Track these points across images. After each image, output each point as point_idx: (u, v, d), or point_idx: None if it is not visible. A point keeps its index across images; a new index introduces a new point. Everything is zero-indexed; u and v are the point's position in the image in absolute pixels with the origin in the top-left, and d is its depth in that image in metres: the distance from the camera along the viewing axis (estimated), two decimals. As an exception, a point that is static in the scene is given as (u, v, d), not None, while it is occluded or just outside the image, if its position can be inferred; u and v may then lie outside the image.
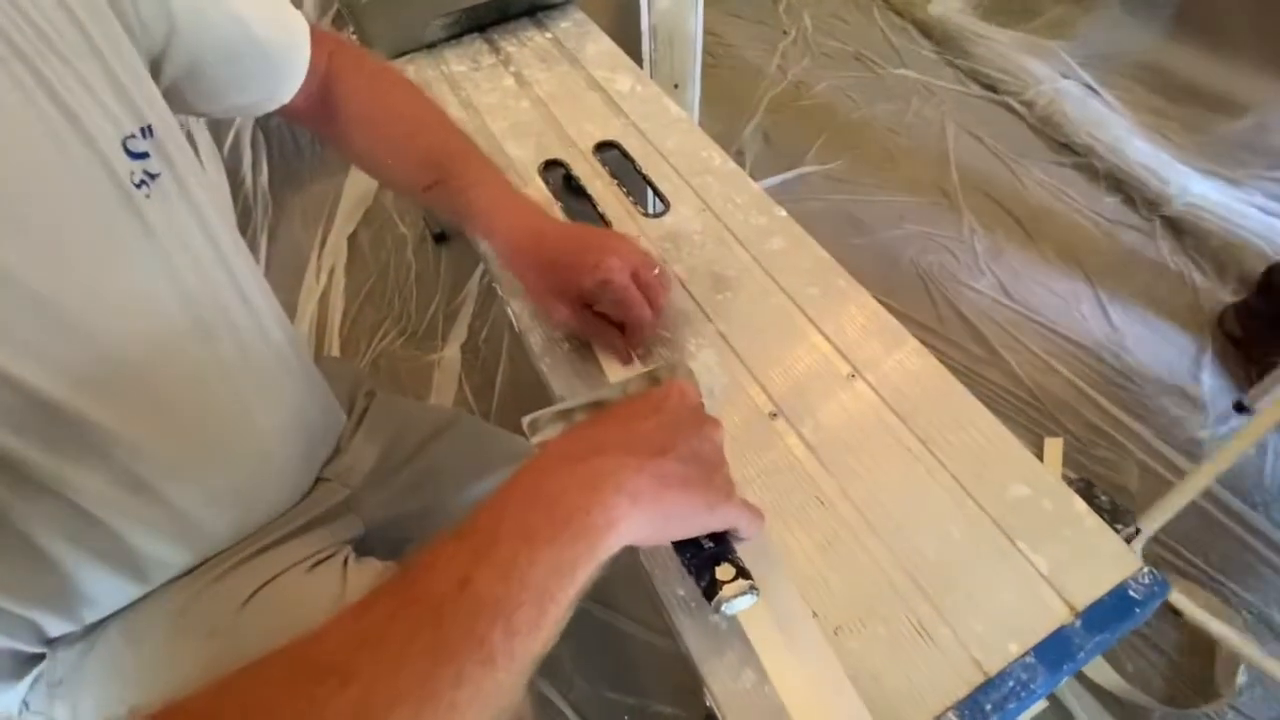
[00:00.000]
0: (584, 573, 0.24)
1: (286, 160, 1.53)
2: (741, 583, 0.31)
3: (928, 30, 1.79)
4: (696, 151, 0.71)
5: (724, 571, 0.31)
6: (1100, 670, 0.81)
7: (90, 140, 0.30)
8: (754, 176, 1.44)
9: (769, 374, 0.52)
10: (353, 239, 1.39)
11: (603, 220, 0.64)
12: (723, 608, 0.31)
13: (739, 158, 1.51)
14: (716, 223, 0.64)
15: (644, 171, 0.68)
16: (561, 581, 0.23)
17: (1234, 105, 1.33)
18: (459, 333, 1.24)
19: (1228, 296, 1.19)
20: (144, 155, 0.34)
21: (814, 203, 1.42)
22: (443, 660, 0.20)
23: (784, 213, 0.65)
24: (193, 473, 0.40)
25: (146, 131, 0.34)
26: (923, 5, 1.81)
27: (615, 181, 0.68)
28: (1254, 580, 0.89)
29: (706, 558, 0.32)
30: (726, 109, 1.63)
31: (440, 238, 1.37)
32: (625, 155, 0.71)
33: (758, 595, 0.32)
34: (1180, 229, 1.30)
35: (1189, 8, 1.44)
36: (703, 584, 0.32)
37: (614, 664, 0.85)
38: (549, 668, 0.85)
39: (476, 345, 1.23)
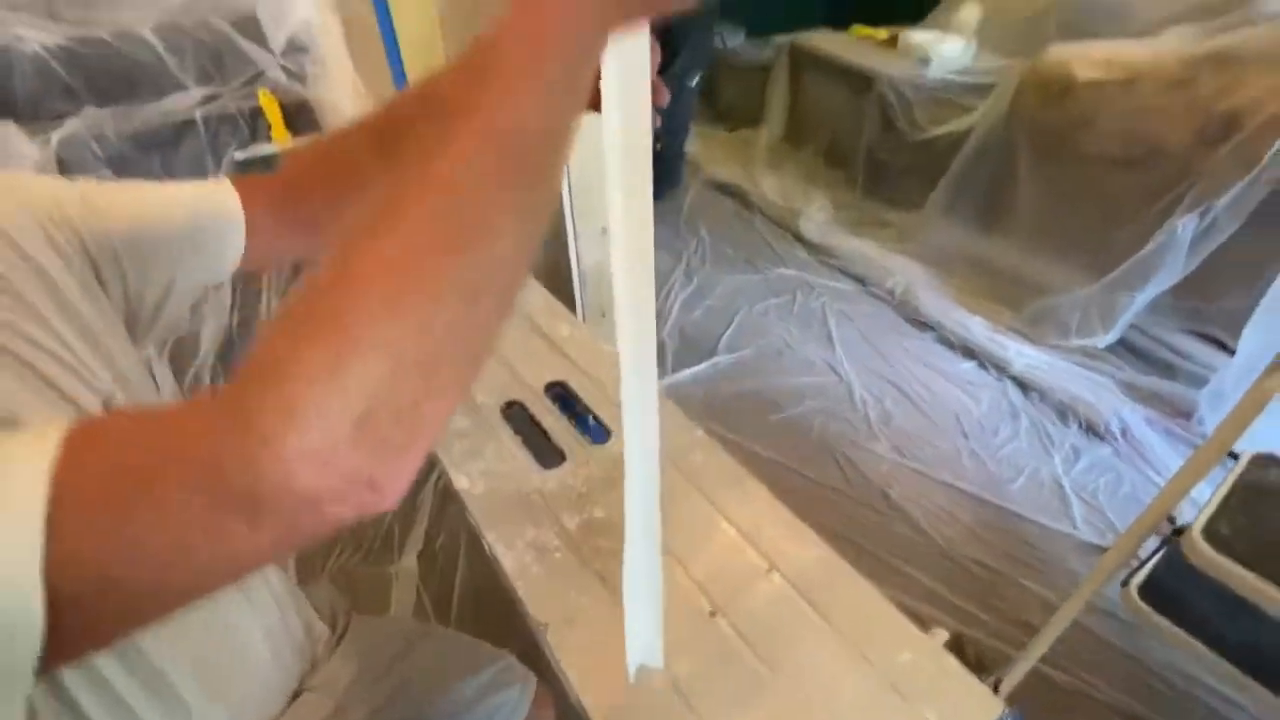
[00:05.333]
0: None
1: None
2: None
3: (802, 237, 2.19)
4: (628, 385, 0.88)
5: None
6: None
7: (75, 402, 0.37)
8: (674, 369, 1.67)
9: (701, 573, 0.64)
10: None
11: (558, 453, 0.79)
12: None
13: (662, 351, 1.74)
14: (650, 445, 0.79)
15: (588, 405, 0.84)
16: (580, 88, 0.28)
17: (1037, 287, 1.70)
18: (415, 541, 1.29)
19: (1076, 441, 1.44)
20: (107, 389, 0.40)
21: (731, 388, 1.64)
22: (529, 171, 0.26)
23: (701, 432, 0.81)
24: (167, 685, 0.42)
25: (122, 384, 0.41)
26: (794, 219, 2.23)
27: (566, 416, 0.83)
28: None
29: None
30: (646, 311, 1.90)
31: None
32: (571, 393, 0.87)
33: None
34: (1026, 385, 1.59)
35: (991, 214, 1.88)
36: None
37: None
38: None
39: (433, 553, 1.28)
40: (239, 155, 1.76)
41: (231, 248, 0.46)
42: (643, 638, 0.52)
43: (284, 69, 1.88)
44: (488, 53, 0.27)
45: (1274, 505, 0.76)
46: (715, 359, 1.72)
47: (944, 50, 2.05)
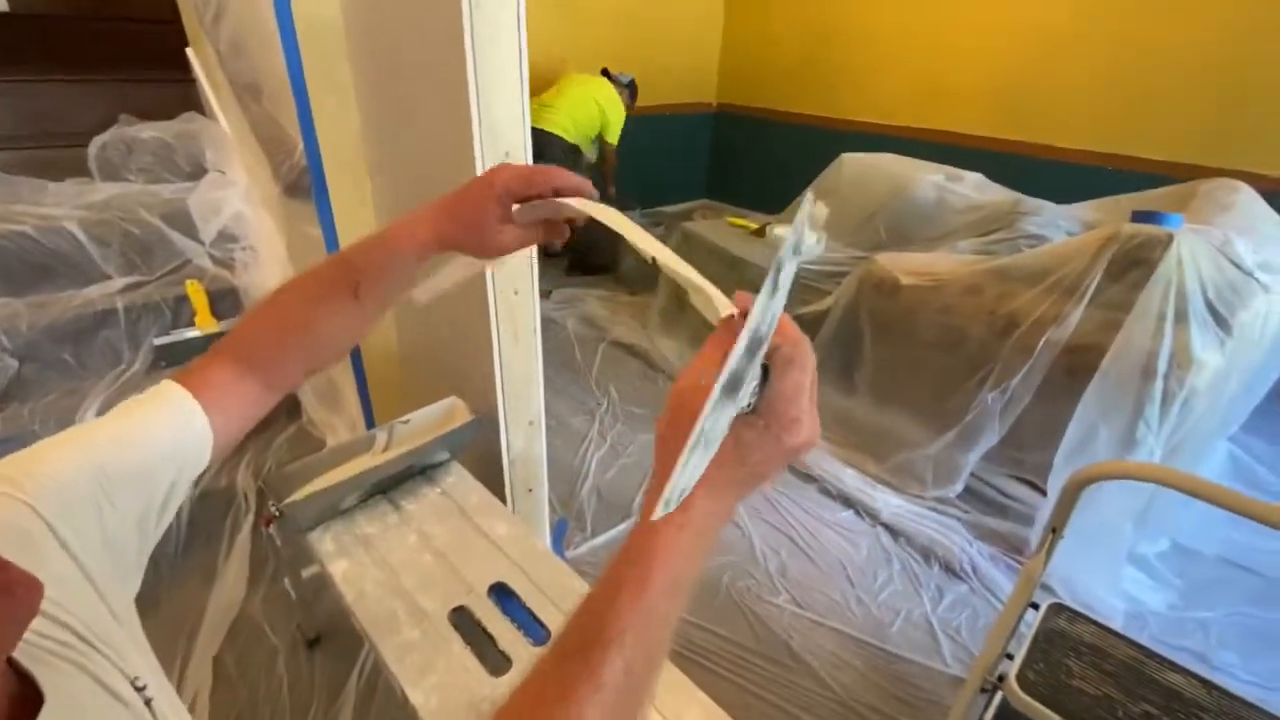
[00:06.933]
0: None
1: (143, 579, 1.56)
2: None
3: (699, 395, 2.46)
4: (563, 582, 1.01)
5: None
6: None
7: (118, 692, 0.41)
8: (594, 532, 1.79)
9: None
10: (218, 660, 1.40)
11: (504, 659, 0.89)
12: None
13: (581, 515, 1.86)
14: (585, 642, 0.91)
15: (528, 606, 0.96)
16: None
17: (895, 442, 2.03)
18: (340, 741, 1.27)
19: (939, 580, 1.69)
20: (144, 688, 0.44)
21: (645, 548, 1.77)
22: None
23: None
24: None
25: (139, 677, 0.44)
26: (691, 379, 2.51)
27: (508, 617, 0.94)
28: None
29: None
30: (564, 473, 2.03)
31: (314, 642, 1.45)
32: (511, 593, 0.98)
33: None
34: (895, 531, 1.85)
35: (851, 380, 2.25)
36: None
37: None
38: None
39: (358, 753, 1.26)
40: (158, 340, 1.80)
41: (203, 450, 0.48)
42: None
43: (211, 257, 1.99)
44: (637, 551, 0.35)
45: (1065, 650, 0.99)
46: (632, 519, 1.86)
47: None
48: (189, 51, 2.28)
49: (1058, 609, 1.06)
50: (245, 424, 0.52)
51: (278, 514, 1.06)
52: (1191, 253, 1.51)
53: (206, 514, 1.68)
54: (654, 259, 0.45)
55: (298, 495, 1.05)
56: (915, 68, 3.59)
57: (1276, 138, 2.57)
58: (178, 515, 1.73)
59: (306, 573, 1.36)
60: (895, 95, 3.72)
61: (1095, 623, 1.04)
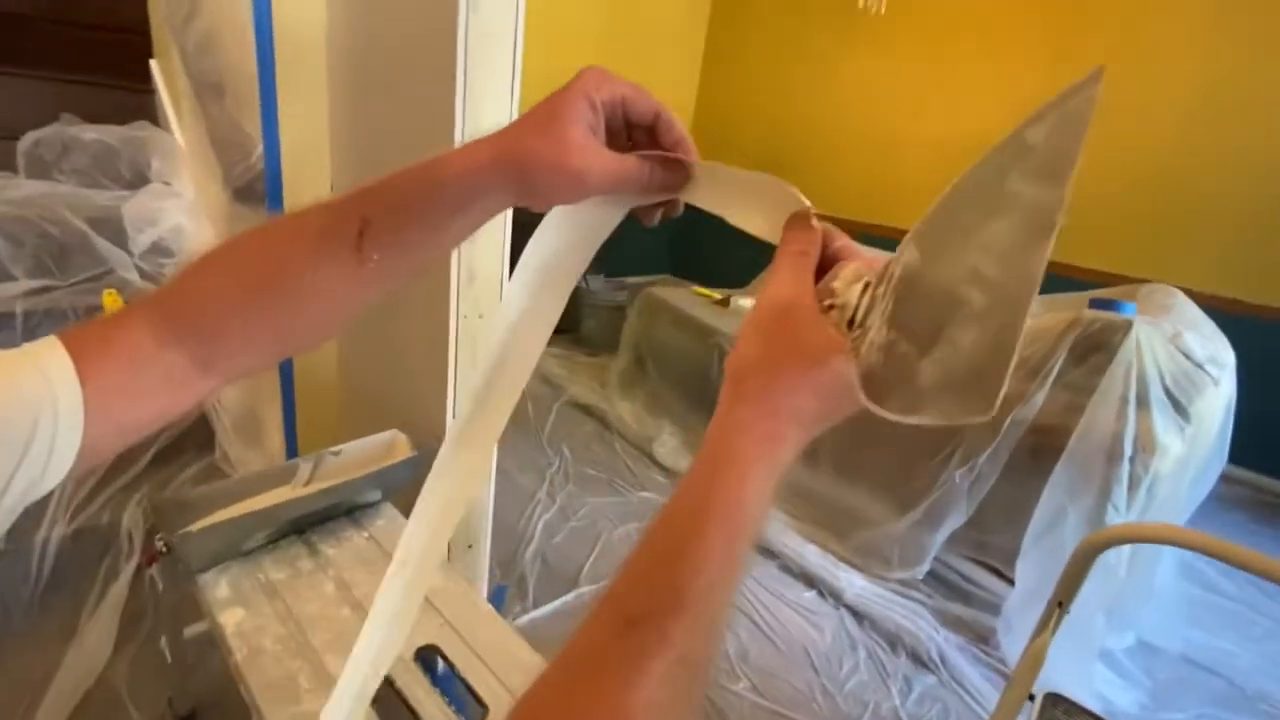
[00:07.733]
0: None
1: (-20, 635, 1.28)
2: None
3: (656, 460, 2.35)
4: (506, 645, 0.85)
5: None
6: None
7: None
8: (537, 603, 1.61)
9: None
10: (60, 739, 1.13)
11: (429, 738, 0.72)
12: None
13: (523, 582, 1.68)
14: (530, 722, 0.75)
15: (463, 676, 0.80)
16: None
17: (861, 520, 1.95)
18: None
19: (906, 670, 1.57)
20: None
21: (592, 622, 1.59)
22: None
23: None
24: None
25: None
26: (648, 443, 2.41)
27: (437, 690, 0.77)
28: None
29: None
30: (507, 535, 1.85)
31: (188, 718, 1.20)
32: (445, 658, 0.82)
33: None
34: (859, 614, 1.73)
35: (814, 455, 2.19)
36: None
37: None
38: None
39: None
40: (58, 352, 1.58)
41: (64, 443, 0.30)
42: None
43: (139, 269, 1.81)
44: (729, 446, 0.30)
45: (1067, 747, 0.89)
46: (579, 590, 1.69)
47: (767, 314, 2.52)
48: (153, 63, 2.18)
49: (1055, 700, 0.97)
50: (155, 417, 0.33)
51: (164, 549, 0.88)
52: (1149, 340, 1.55)
53: (79, 555, 1.42)
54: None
55: (193, 527, 0.88)
56: (870, 167, 3.83)
57: (1204, 254, 2.79)
58: (40, 554, 1.46)
59: (190, 631, 1.14)
60: (851, 191, 3.94)
61: (1093, 715, 0.95)
